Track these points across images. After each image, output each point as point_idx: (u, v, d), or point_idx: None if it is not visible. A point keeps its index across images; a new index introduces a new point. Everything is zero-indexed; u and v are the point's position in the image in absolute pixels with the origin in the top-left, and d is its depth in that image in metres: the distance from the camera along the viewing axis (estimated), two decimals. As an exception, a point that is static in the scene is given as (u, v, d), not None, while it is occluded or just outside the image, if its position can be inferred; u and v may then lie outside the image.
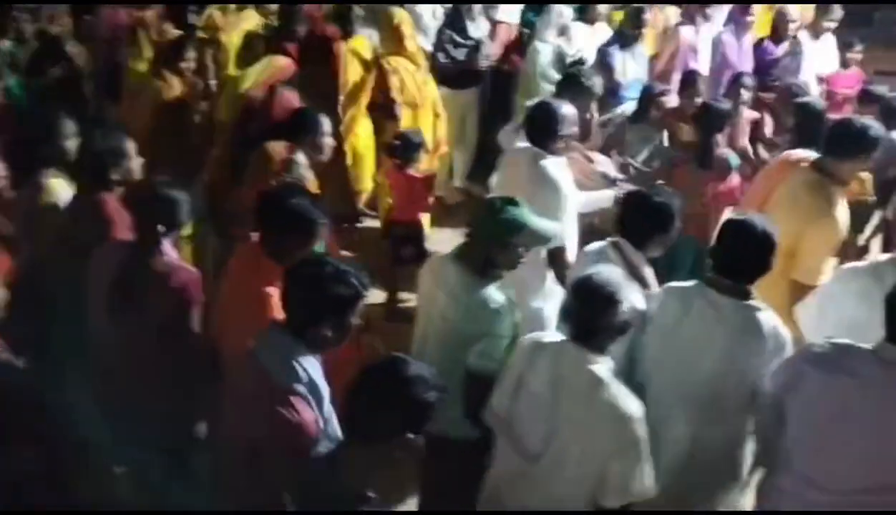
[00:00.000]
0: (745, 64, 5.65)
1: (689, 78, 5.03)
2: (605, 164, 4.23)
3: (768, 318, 2.53)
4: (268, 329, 2.21)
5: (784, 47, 5.83)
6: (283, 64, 4.46)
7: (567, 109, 3.54)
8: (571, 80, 4.14)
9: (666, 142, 4.83)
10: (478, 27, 5.69)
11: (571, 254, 3.37)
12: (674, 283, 2.77)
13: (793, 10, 5.89)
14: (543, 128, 3.52)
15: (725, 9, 6.03)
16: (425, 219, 5.10)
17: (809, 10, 6.47)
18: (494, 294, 2.63)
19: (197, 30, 5.37)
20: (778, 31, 5.85)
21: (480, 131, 5.95)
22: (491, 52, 5.54)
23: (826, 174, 3.38)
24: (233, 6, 5.41)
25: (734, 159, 4.42)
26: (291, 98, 4.29)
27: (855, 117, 3.63)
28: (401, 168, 4.66)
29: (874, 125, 3.48)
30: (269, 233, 2.56)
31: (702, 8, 5.71)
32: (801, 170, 3.47)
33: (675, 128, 4.82)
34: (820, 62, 5.78)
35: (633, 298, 2.37)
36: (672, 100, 4.90)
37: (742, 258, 2.57)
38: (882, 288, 2.66)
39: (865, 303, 2.75)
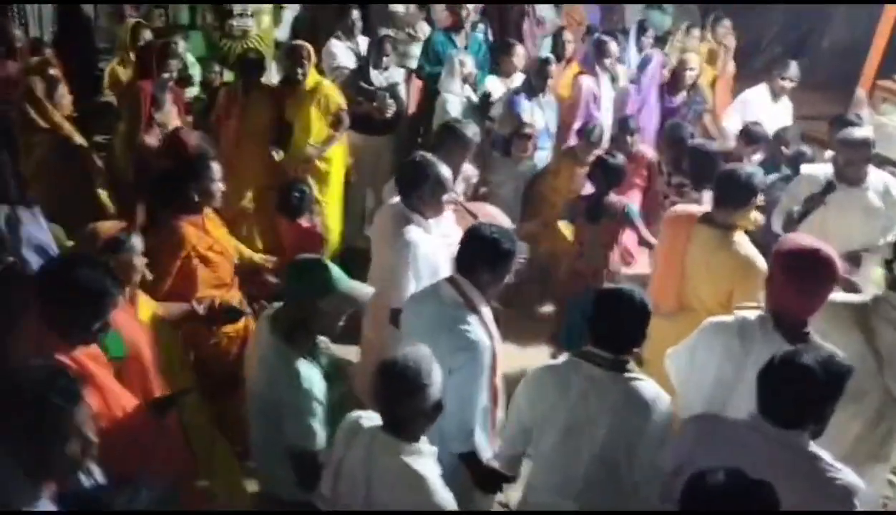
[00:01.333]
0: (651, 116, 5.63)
1: (587, 126, 5.11)
2: (496, 218, 4.11)
3: (648, 388, 2.47)
4: None
5: (682, 97, 5.77)
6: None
7: (438, 169, 3.36)
8: (447, 131, 4.06)
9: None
10: (390, 75, 5.62)
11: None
12: (549, 362, 2.71)
13: (693, 59, 5.87)
14: (411, 187, 3.39)
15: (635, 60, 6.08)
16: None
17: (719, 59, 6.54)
18: (299, 364, 2.48)
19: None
20: (676, 80, 5.76)
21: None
22: (390, 101, 5.43)
23: (722, 226, 3.44)
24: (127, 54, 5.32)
25: (633, 208, 4.42)
26: (189, 140, 4.17)
27: (739, 167, 3.63)
28: (292, 217, 4.53)
29: (757, 171, 3.55)
30: (50, 308, 2.28)
31: (601, 58, 5.71)
32: (700, 229, 3.49)
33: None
34: (776, 122, 5.55)
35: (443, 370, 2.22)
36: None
37: (619, 330, 2.51)
38: (746, 347, 2.66)
39: (730, 362, 2.71)
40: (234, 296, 3.62)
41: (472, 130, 4.02)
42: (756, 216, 4.10)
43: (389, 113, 5.46)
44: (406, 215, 3.36)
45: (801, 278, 2.64)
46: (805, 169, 4.37)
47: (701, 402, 2.75)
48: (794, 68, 5.78)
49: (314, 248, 4.52)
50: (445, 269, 3.36)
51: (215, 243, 3.46)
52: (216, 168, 3.50)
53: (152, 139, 4.56)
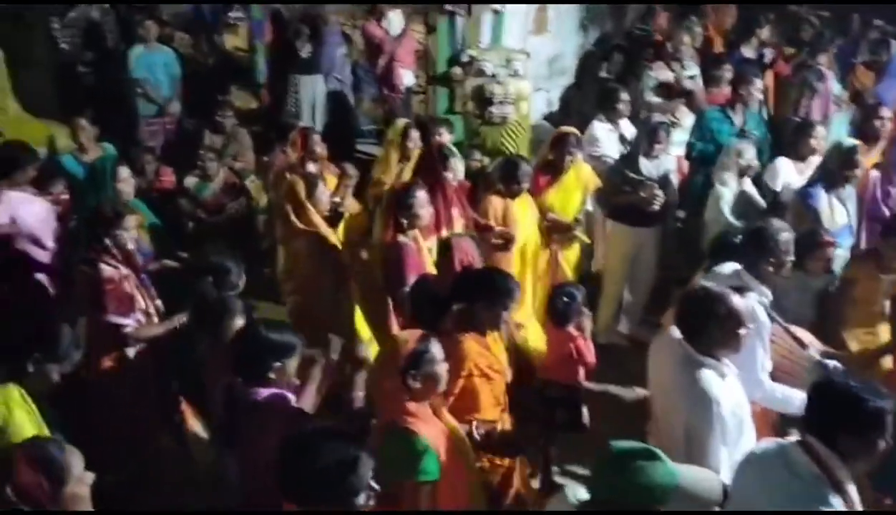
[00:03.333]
0: None
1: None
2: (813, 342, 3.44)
3: None
4: None
5: None
6: None
7: (729, 304, 2.76)
8: (755, 237, 3.42)
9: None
10: (661, 164, 5.20)
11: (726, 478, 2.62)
12: None
13: None
14: (697, 327, 2.79)
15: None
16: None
17: None
18: None
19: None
20: None
21: (657, 272, 5.41)
22: (659, 192, 4.98)
23: None
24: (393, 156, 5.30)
25: None
26: (468, 249, 3.93)
27: None
28: (559, 324, 4.20)
29: None
30: (293, 482, 2.08)
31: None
32: None
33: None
34: None
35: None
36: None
37: None
38: None
39: None
40: (506, 420, 3.36)
41: (783, 235, 3.35)
42: None
43: (658, 204, 5.02)
44: (695, 360, 2.77)
45: None
46: None
47: None
48: None
49: (580, 363, 4.17)
50: (748, 415, 2.82)
51: (495, 361, 3.24)
52: (517, 288, 3.28)
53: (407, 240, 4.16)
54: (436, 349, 2.68)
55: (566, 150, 4.83)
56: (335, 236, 4.48)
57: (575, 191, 4.96)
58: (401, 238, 4.02)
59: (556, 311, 4.19)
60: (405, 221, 3.99)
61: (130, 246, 3.82)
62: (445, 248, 3.89)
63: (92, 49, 7.07)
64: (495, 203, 4.70)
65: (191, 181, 6.00)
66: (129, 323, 3.69)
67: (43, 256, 4.29)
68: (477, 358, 3.16)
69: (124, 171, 4.34)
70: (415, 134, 5.29)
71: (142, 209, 4.59)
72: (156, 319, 3.84)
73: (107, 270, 3.67)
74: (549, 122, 7.05)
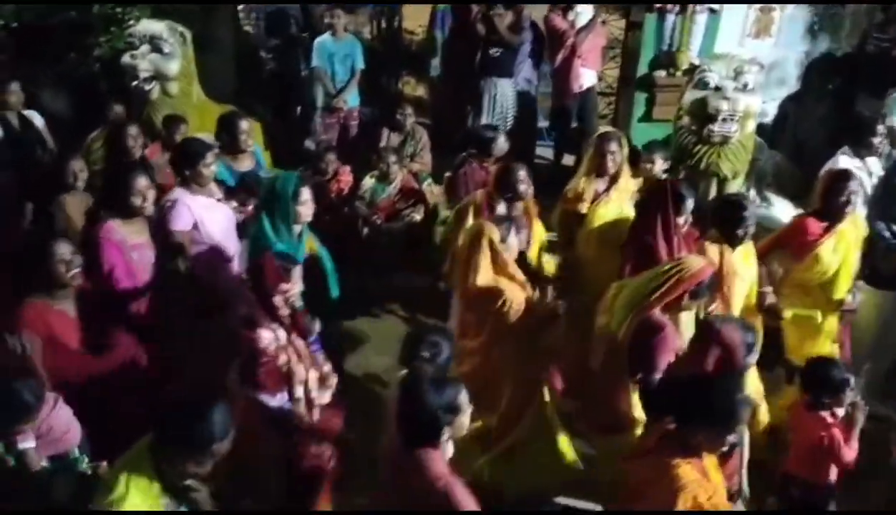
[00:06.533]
0: None
1: None
2: None
3: None
4: None
5: None
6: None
7: None
8: None
9: None
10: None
11: None
12: None
13: None
14: None
15: None
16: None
17: None
18: None
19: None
20: None
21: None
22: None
23: None
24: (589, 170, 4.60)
25: None
26: (736, 339, 3.16)
27: None
28: (811, 408, 3.45)
29: None
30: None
31: None
32: None
33: None
34: None
35: None
36: None
37: None
38: None
39: None
40: None
41: None
42: None
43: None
44: None
45: None
46: None
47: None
48: None
49: (833, 459, 3.40)
50: None
51: (715, 493, 2.66)
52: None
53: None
54: None
55: (847, 192, 3.94)
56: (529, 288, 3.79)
57: (855, 245, 4.03)
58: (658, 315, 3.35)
59: (810, 392, 3.46)
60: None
61: (299, 303, 3.34)
62: (705, 331, 3.25)
63: (275, 35, 6.83)
64: (710, 252, 3.86)
65: (368, 182, 5.62)
66: (275, 403, 3.22)
67: (225, 270, 3.94)
68: (696, 489, 2.59)
69: (306, 193, 3.85)
70: (612, 146, 4.44)
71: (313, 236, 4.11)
72: (314, 393, 3.31)
73: (265, 338, 3.14)
74: (760, 137, 6.16)
